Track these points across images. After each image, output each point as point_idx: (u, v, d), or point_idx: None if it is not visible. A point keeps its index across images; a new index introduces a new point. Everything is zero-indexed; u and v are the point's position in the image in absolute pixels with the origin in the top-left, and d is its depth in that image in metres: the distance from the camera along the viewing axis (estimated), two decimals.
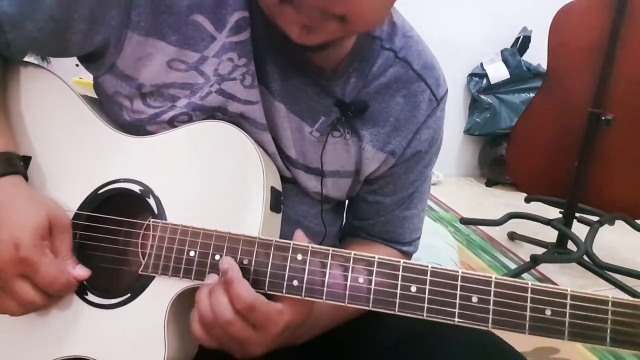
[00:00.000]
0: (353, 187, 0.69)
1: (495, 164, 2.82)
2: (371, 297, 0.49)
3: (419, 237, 0.75)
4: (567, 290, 0.46)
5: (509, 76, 2.72)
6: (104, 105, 0.63)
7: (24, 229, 0.51)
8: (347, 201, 0.75)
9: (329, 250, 0.51)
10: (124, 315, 0.55)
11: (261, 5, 0.51)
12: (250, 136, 0.58)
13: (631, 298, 0.45)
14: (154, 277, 0.55)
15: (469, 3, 2.72)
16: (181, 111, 0.58)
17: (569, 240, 1.92)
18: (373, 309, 0.49)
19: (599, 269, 1.80)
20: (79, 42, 0.56)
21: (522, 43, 2.77)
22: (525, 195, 2.14)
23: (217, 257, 0.53)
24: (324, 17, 0.46)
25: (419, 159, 0.68)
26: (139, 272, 0.55)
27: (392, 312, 0.49)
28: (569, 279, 1.85)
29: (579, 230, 1.93)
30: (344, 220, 0.78)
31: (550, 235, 2.01)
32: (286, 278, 0.51)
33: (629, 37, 1.72)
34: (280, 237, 0.53)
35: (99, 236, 0.58)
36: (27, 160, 0.60)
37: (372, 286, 0.49)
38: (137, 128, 0.60)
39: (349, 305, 0.50)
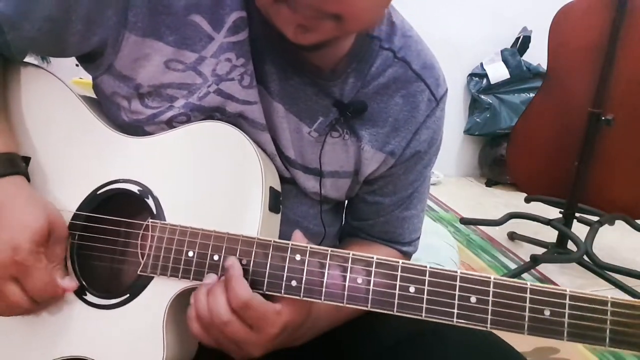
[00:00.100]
0: (352, 188, 0.69)
1: (495, 164, 2.82)
2: (370, 297, 0.49)
3: (419, 237, 0.75)
4: (566, 291, 0.46)
5: (509, 76, 2.72)
6: (103, 105, 0.63)
7: (24, 232, 0.51)
8: (346, 202, 0.75)
9: (327, 250, 0.51)
10: (122, 315, 0.55)
11: (257, 4, 0.51)
12: (249, 136, 0.58)
13: (630, 298, 0.45)
14: (152, 277, 0.55)
15: (469, 3, 2.71)
16: (179, 112, 0.58)
17: (569, 240, 1.92)
18: (372, 310, 0.49)
19: (599, 269, 1.80)
20: (77, 42, 0.56)
21: (522, 43, 2.76)
22: (525, 195, 2.14)
23: (215, 257, 0.53)
24: (319, 16, 0.46)
25: (418, 159, 0.68)
26: (138, 272, 0.55)
27: (391, 313, 0.48)
28: (569, 279, 1.84)
29: (579, 230, 1.93)
30: (343, 221, 0.78)
31: (550, 235, 2.01)
32: (285, 278, 0.51)
33: (629, 37, 1.72)
34: (280, 238, 0.53)
35: (98, 236, 0.58)
36: (26, 160, 0.60)
37: (371, 286, 0.49)
38: (135, 128, 0.60)
39: (347, 305, 0.50)
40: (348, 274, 0.50)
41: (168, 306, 0.54)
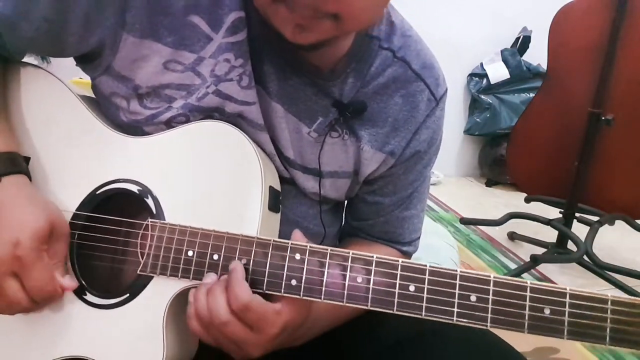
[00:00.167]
0: (352, 188, 0.69)
1: (495, 164, 2.82)
2: (370, 296, 0.49)
3: (419, 237, 0.75)
4: (566, 289, 0.46)
5: (509, 76, 2.72)
6: (102, 106, 0.63)
7: (26, 229, 0.51)
8: (345, 202, 0.75)
9: (327, 249, 0.51)
10: (122, 315, 0.55)
11: (256, 5, 0.51)
12: (248, 136, 0.58)
13: (630, 296, 0.45)
14: (152, 277, 0.55)
15: (469, 3, 2.71)
16: (178, 112, 0.58)
17: (569, 240, 1.92)
18: (372, 309, 0.49)
19: (599, 269, 1.80)
20: (75, 43, 0.56)
21: (522, 43, 2.77)
22: (525, 195, 2.14)
23: (215, 256, 0.53)
24: (317, 15, 0.46)
25: (418, 159, 0.68)
26: (138, 272, 0.55)
27: (391, 312, 0.48)
28: (569, 279, 1.84)
29: (579, 230, 1.93)
30: (343, 221, 0.77)
31: (550, 235, 2.01)
32: (284, 277, 0.51)
33: (629, 37, 1.72)
34: (279, 238, 0.53)
35: (97, 236, 0.58)
36: (25, 160, 0.60)
37: (371, 285, 0.49)
38: (134, 129, 0.60)
39: (347, 304, 0.49)
40: (348, 273, 0.50)
41: (168, 306, 0.54)
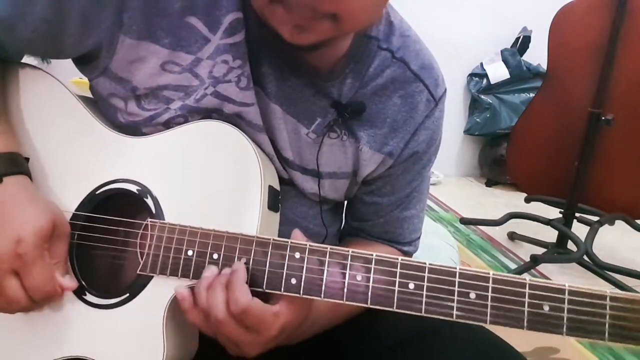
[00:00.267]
0: (351, 188, 0.69)
1: (495, 164, 2.82)
2: (369, 294, 0.49)
3: (419, 237, 0.75)
4: (564, 286, 0.46)
5: (509, 76, 2.73)
6: (100, 106, 0.63)
7: (28, 227, 0.51)
8: (345, 202, 0.75)
9: (327, 248, 0.51)
10: (122, 315, 0.55)
11: (254, 5, 0.51)
12: (247, 136, 0.58)
13: (629, 292, 0.45)
14: (152, 276, 0.55)
15: (469, 3, 2.72)
16: (176, 113, 0.58)
17: (569, 240, 1.92)
18: (371, 307, 0.49)
19: (599, 269, 1.80)
20: (72, 44, 0.55)
21: (522, 43, 2.77)
22: (525, 195, 2.14)
23: (215, 256, 0.53)
24: (315, 16, 0.46)
25: (416, 159, 0.68)
26: (137, 272, 0.55)
27: (391, 310, 0.48)
28: (569, 279, 1.84)
29: (579, 230, 1.93)
30: (343, 221, 0.77)
31: (550, 235, 2.01)
32: (284, 276, 0.51)
33: (629, 37, 1.72)
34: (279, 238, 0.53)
35: (97, 236, 0.58)
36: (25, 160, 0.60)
37: (370, 284, 0.49)
38: (133, 130, 0.60)
39: (347, 303, 0.50)
40: (347, 271, 0.50)
41: (168, 305, 0.54)
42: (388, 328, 0.63)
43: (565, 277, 1.86)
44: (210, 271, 0.52)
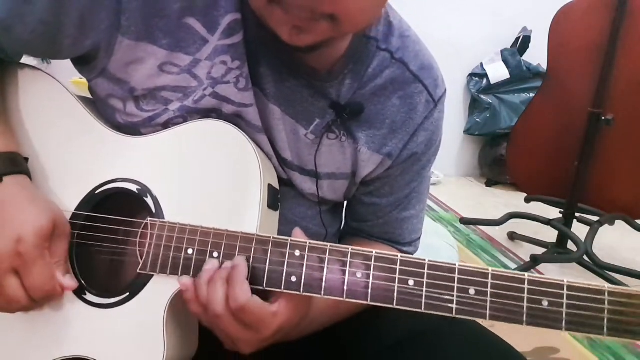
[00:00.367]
0: (350, 189, 0.69)
1: (495, 164, 2.82)
2: (369, 291, 0.49)
3: (419, 238, 0.75)
4: (563, 281, 0.46)
5: (509, 76, 2.73)
6: (99, 107, 0.63)
7: (29, 226, 0.51)
8: (345, 203, 0.75)
9: (326, 245, 0.51)
10: (122, 314, 0.55)
11: (252, 6, 0.51)
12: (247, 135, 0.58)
13: (626, 287, 0.45)
14: (152, 275, 0.55)
15: (469, 3, 2.72)
16: (175, 114, 0.58)
17: (569, 240, 1.92)
18: (371, 304, 0.49)
19: (599, 269, 1.80)
20: (70, 45, 0.55)
21: (522, 43, 2.77)
22: (525, 195, 2.14)
23: (215, 254, 0.53)
24: (314, 17, 0.46)
25: (415, 160, 0.68)
26: (137, 271, 0.55)
27: (391, 306, 0.49)
28: (569, 279, 1.84)
29: (579, 230, 1.93)
30: (343, 222, 0.77)
31: (550, 235, 2.01)
32: (284, 274, 0.51)
33: (629, 37, 1.72)
34: None
35: (97, 236, 0.58)
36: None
37: (370, 280, 0.49)
38: (132, 131, 0.60)
39: (347, 300, 0.50)
40: (347, 269, 0.50)
41: (168, 304, 0.54)
42: (389, 327, 0.63)
43: (565, 277, 1.83)
44: (211, 264, 0.52)
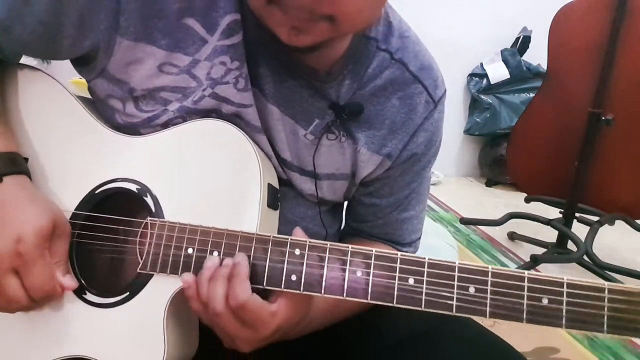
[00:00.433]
0: (349, 190, 0.68)
1: (495, 164, 2.82)
2: (369, 290, 0.49)
3: (419, 238, 0.75)
4: (563, 279, 0.46)
5: (509, 76, 2.73)
6: (98, 107, 0.63)
7: (29, 226, 0.51)
8: (345, 203, 0.75)
9: (326, 244, 0.51)
10: (122, 314, 0.55)
11: (251, 7, 0.51)
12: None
13: (626, 285, 0.45)
14: (152, 275, 0.55)
15: (468, 3, 2.72)
16: (174, 115, 0.58)
17: (569, 240, 1.92)
18: (371, 302, 0.49)
19: (599, 269, 1.80)
20: (69, 46, 0.55)
21: (522, 43, 2.77)
22: (525, 195, 2.14)
23: (215, 253, 0.53)
24: (312, 17, 0.46)
25: (415, 161, 0.67)
26: (137, 270, 0.55)
27: (391, 305, 0.49)
28: None
29: (579, 230, 1.93)
30: (343, 222, 0.77)
31: (550, 235, 2.01)
32: (284, 273, 0.51)
33: (629, 37, 1.72)
34: None
35: (97, 235, 0.58)
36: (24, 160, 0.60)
37: (370, 279, 0.49)
38: (131, 131, 0.60)
39: (347, 298, 0.50)
40: (347, 267, 0.50)
41: (168, 304, 0.54)
42: (389, 327, 0.63)
43: (565, 277, 1.86)
44: (212, 261, 0.52)
